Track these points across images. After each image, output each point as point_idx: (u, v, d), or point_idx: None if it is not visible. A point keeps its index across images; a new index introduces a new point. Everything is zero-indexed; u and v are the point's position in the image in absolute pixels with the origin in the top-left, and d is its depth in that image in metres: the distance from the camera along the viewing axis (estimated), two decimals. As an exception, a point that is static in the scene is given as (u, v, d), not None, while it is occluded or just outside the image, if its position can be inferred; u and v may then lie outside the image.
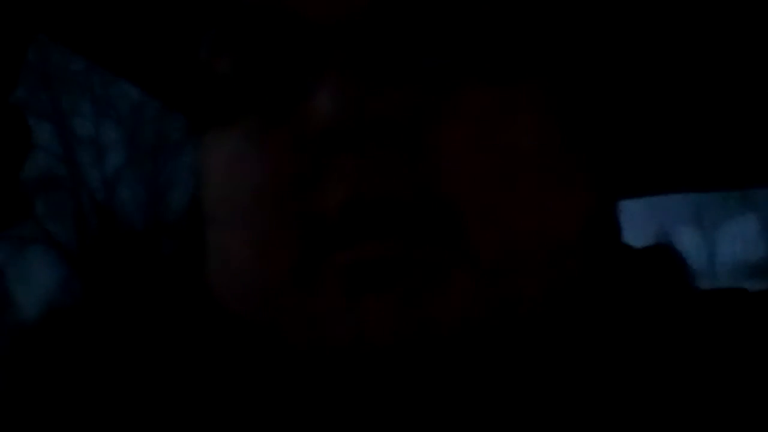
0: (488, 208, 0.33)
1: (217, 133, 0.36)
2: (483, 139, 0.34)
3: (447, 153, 0.34)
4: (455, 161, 0.34)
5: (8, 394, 0.41)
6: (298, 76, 0.34)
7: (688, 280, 0.38)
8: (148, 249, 2.56)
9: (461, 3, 0.34)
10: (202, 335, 0.40)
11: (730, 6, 0.65)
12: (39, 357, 0.41)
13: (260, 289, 0.35)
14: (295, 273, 0.34)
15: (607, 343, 0.35)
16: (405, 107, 0.34)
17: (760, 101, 0.82)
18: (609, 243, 0.39)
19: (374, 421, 0.35)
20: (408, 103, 0.34)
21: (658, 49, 0.70)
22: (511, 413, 0.35)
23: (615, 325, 0.36)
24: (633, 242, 0.41)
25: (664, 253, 0.39)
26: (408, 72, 0.34)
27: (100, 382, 0.40)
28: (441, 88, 0.35)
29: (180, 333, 0.41)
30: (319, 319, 0.33)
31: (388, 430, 0.34)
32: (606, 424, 0.35)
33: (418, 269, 0.33)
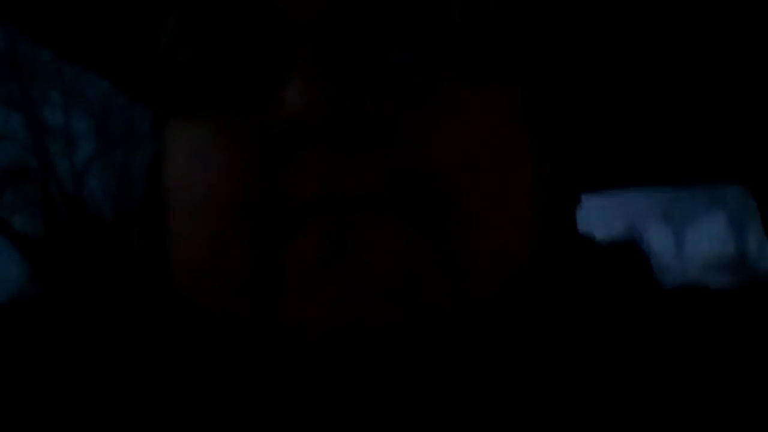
0: (464, 198, 0.33)
1: (180, 122, 0.36)
2: (455, 133, 0.34)
3: (423, 146, 0.33)
4: (431, 154, 0.33)
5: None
6: (265, 67, 0.34)
7: (650, 275, 0.39)
8: (116, 240, 2.53)
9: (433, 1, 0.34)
10: (165, 325, 0.39)
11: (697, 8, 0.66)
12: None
13: (217, 281, 0.34)
14: (254, 265, 0.33)
15: (562, 330, 0.35)
16: (378, 101, 0.33)
17: (726, 97, 0.83)
18: (569, 234, 0.39)
19: (341, 405, 0.34)
20: (381, 98, 0.33)
21: (624, 45, 0.70)
22: (468, 394, 0.35)
23: (571, 313, 0.36)
24: (602, 238, 0.42)
25: (629, 248, 0.39)
26: (380, 67, 0.34)
27: (57, 373, 0.39)
28: (413, 83, 0.34)
29: (142, 324, 0.40)
30: (272, 312, 0.32)
31: (358, 415, 0.34)
32: (559, 408, 0.35)
33: (369, 246, 0.32)
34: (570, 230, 0.40)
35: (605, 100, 0.79)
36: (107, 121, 2.51)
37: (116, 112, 2.53)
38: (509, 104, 0.35)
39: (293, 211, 0.32)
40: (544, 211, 0.37)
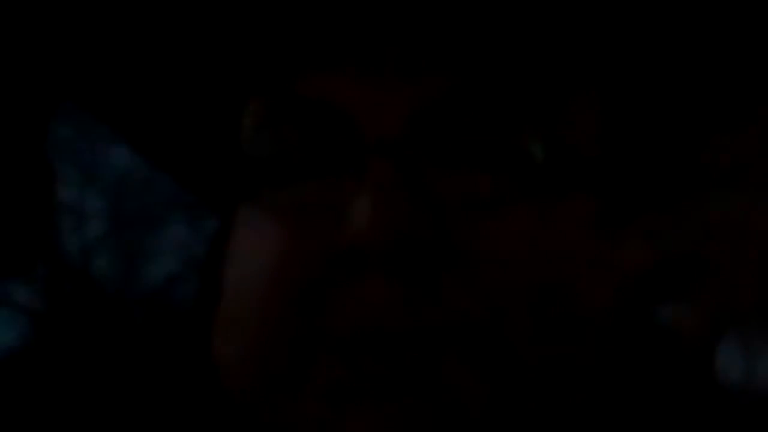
0: (521, 340, 0.33)
1: (248, 209, 0.37)
2: (516, 268, 0.34)
3: (465, 291, 0.33)
4: (486, 296, 0.33)
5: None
6: (338, 170, 0.36)
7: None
8: (117, 316, 2.53)
9: (504, 128, 0.35)
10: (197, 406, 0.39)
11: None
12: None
13: (253, 379, 0.36)
14: (287, 374, 0.34)
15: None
16: (439, 233, 0.34)
17: None
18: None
19: None
20: (442, 229, 0.34)
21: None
22: None
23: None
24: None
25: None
26: (443, 190, 0.34)
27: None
28: (472, 209, 0.34)
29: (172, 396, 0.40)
30: (301, 424, 0.34)
31: None
32: None
33: (417, 387, 0.33)
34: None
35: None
36: (120, 202, 2.55)
37: (130, 194, 2.56)
38: (584, 229, 0.35)
39: (335, 337, 0.33)
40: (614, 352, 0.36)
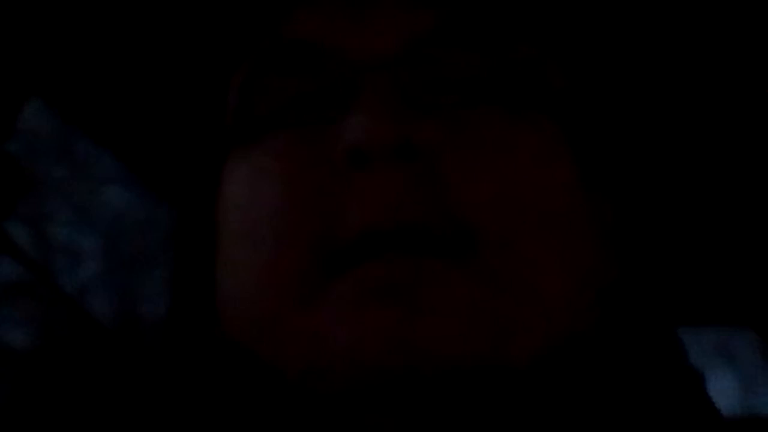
0: (502, 234, 0.38)
1: (240, 153, 0.39)
2: (500, 170, 0.39)
3: (466, 181, 0.38)
4: (474, 189, 0.38)
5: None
6: (329, 101, 0.40)
7: (681, 359, 0.43)
8: (116, 357, 2.56)
9: (486, 49, 0.41)
10: (206, 376, 0.40)
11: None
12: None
13: (267, 306, 0.38)
14: (303, 290, 0.37)
15: (592, 397, 0.38)
16: (429, 136, 0.38)
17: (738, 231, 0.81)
18: (617, 307, 0.41)
19: None
20: (432, 133, 0.39)
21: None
22: None
23: (604, 382, 0.39)
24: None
25: (666, 332, 0.43)
26: (433, 105, 0.39)
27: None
28: (463, 119, 0.40)
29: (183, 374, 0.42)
30: (321, 337, 0.36)
31: None
32: None
33: (427, 286, 0.35)
34: (623, 303, 0.42)
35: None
36: (115, 242, 2.55)
37: (125, 235, 2.57)
38: (558, 143, 0.41)
39: (351, 241, 0.36)
40: (599, 269, 0.39)
